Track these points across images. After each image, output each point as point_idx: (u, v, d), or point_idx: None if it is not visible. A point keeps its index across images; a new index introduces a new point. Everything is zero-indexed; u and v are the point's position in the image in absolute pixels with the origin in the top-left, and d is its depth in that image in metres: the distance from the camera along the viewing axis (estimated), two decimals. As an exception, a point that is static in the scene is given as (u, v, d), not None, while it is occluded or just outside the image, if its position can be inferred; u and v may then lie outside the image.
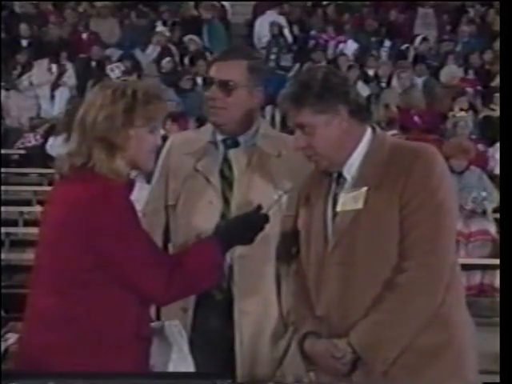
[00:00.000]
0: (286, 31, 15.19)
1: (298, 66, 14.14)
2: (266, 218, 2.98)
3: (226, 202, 3.29)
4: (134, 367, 2.77)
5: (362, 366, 2.80)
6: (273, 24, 14.96)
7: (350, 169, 2.89)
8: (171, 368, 2.87)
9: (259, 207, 3.00)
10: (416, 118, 12.15)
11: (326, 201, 2.94)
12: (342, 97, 2.85)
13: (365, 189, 2.83)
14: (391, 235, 2.79)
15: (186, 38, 14.60)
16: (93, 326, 2.73)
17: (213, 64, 3.33)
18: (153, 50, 14.39)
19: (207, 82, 3.33)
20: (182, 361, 2.89)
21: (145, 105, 2.82)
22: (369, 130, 2.93)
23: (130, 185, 2.89)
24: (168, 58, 13.73)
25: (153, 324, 2.93)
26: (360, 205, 2.83)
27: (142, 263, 2.75)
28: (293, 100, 2.86)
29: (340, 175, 2.92)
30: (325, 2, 16.30)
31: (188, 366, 2.89)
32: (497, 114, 11.40)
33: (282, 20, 15.41)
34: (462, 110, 11.93)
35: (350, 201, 2.86)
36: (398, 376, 2.78)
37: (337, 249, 2.85)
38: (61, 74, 13.35)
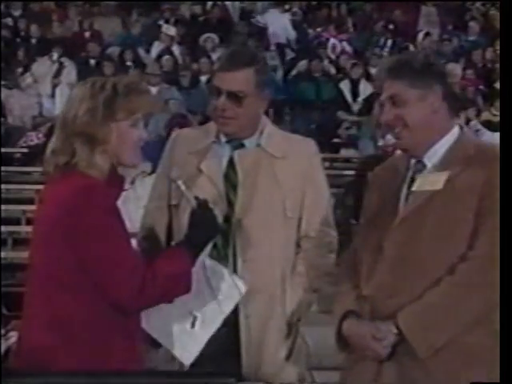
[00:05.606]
0: (289, 29, 15.17)
1: (301, 63, 14.13)
2: (210, 212, 2.91)
3: (230, 203, 3.25)
4: (124, 366, 2.73)
5: (398, 354, 2.73)
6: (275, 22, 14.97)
7: (432, 157, 2.87)
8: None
9: (200, 204, 2.94)
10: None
11: (401, 183, 2.90)
12: (440, 77, 2.86)
13: (447, 172, 2.80)
14: (464, 223, 2.74)
15: (203, 37, 14.46)
16: (79, 329, 2.70)
17: (219, 73, 3.24)
18: (156, 48, 14.36)
19: (215, 92, 3.23)
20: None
21: (125, 97, 2.77)
22: (456, 127, 2.91)
23: (119, 182, 2.85)
24: (167, 56, 13.65)
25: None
26: (439, 186, 2.79)
27: (117, 266, 2.69)
28: (391, 71, 2.87)
29: (419, 162, 2.89)
30: (327, 1, 16.30)
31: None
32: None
33: (286, 18, 15.39)
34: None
35: (428, 182, 2.82)
36: (434, 371, 2.70)
37: (402, 226, 2.80)
38: (59, 71, 13.32)
